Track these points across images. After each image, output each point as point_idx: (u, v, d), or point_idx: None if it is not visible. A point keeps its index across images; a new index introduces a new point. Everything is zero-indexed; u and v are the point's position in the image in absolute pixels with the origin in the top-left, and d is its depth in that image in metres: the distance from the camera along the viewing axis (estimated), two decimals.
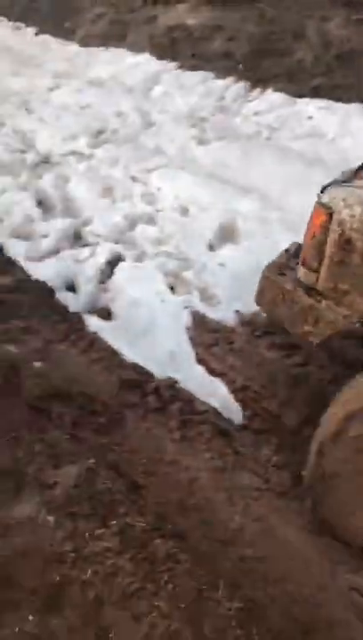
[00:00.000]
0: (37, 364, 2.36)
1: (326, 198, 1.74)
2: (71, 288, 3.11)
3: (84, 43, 8.24)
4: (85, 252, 3.43)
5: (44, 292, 2.93)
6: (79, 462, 1.78)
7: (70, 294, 3.03)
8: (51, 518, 1.53)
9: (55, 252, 3.44)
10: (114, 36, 8.07)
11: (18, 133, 5.32)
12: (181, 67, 6.82)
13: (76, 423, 2.01)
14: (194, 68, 6.66)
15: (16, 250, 3.39)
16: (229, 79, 6.14)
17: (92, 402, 2.18)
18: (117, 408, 2.19)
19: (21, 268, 3.16)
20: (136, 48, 7.61)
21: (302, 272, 1.85)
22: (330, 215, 1.72)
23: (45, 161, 4.81)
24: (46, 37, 8.80)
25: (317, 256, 1.78)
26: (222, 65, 6.48)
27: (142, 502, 1.73)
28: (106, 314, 2.91)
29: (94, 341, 2.57)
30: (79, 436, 1.95)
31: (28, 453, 1.74)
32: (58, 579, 1.39)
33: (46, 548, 1.45)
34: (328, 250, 1.74)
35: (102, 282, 3.16)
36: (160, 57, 7.19)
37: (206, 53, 6.82)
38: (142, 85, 6.56)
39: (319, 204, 1.75)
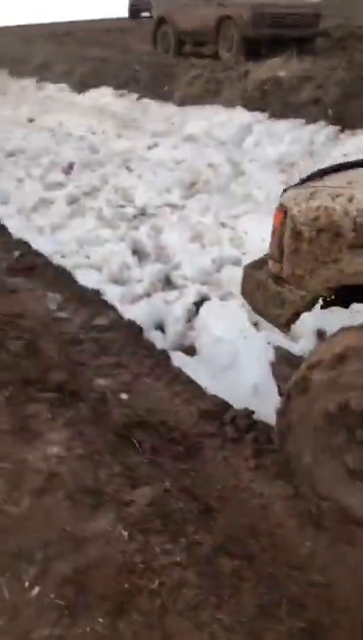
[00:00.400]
0: (124, 396, 2.53)
1: (282, 199, 2.04)
2: (160, 327, 3.31)
3: (181, 103, 8.77)
4: (174, 294, 3.64)
5: (134, 330, 3.13)
6: (155, 484, 1.88)
7: (158, 333, 3.22)
8: (125, 533, 1.64)
9: (147, 294, 3.67)
10: (209, 94, 8.54)
11: (119, 190, 5.75)
12: (271, 116, 7.07)
13: (156, 449, 2.13)
14: (284, 117, 6.88)
15: (113, 294, 3.66)
16: (319, 124, 6.27)
17: (172, 431, 2.31)
18: (196, 437, 2.30)
19: (116, 310, 3.40)
20: (229, 103, 8.00)
21: (270, 264, 2.14)
22: (285, 213, 2.01)
23: (142, 213, 5.16)
24: (147, 101, 9.47)
25: (278, 249, 2.06)
26: (312, 111, 6.66)
27: (213, 523, 1.79)
28: (191, 350, 3.06)
29: (178, 375, 2.71)
30: (158, 461, 2.07)
31: (108, 474, 1.87)
32: (127, 587, 1.49)
33: (118, 559, 1.56)
34: (286, 242, 2.02)
35: (189, 320, 3.33)
36: (252, 109, 7.51)
37: (296, 102, 7.04)
38: (234, 137, 6.86)
39: (279, 205, 2.05)
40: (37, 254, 4.24)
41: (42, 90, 12.23)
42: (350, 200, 1.81)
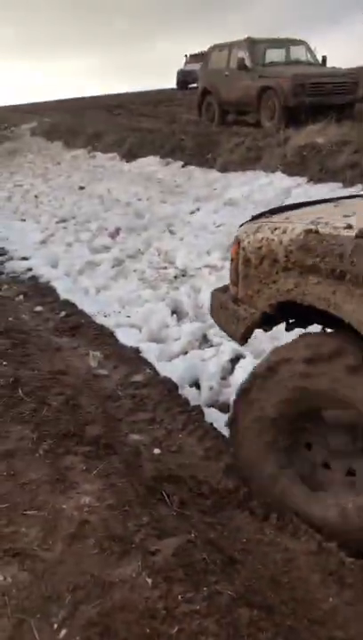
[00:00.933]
0: (157, 451, 2.64)
1: (237, 233, 2.46)
2: (196, 384, 3.43)
3: (224, 169, 9.17)
4: (211, 351, 3.77)
5: (169, 387, 3.26)
6: (181, 535, 1.97)
7: (193, 389, 3.33)
8: (149, 580, 1.73)
9: (184, 352, 3.82)
10: (250, 161, 8.91)
11: (161, 253, 6.03)
12: (310, 181, 7.31)
13: (184, 503, 2.22)
14: (322, 181, 7.11)
15: (151, 351, 3.82)
16: (356, 187, 6.45)
17: (201, 485, 2.39)
18: (223, 492, 2.37)
19: (153, 367, 3.55)
20: (269, 168, 8.32)
21: (231, 288, 2.55)
22: (239, 244, 2.42)
23: (183, 274, 5.38)
24: (191, 168, 9.92)
25: (235, 274, 2.48)
26: (349, 175, 6.86)
27: (235, 575, 1.85)
28: (225, 407, 3.15)
29: (209, 431, 2.81)
30: (185, 514, 2.16)
31: (136, 524, 1.97)
32: (148, 631, 1.56)
33: (142, 605, 1.64)
34: (239, 268, 2.43)
35: (224, 378, 3.44)
36: (291, 174, 7.78)
37: (334, 166, 7.28)
38: (274, 201, 7.09)
39: (235, 238, 2.47)
40: (82, 314, 4.48)
41: (93, 159, 12.97)
42: (284, 232, 2.20)
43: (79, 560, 1.80)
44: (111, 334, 4.08)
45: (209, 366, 3.56)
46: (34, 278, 5.55)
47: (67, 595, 1.68)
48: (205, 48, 15.59)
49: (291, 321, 2.47)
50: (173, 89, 23.98)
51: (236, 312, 2.47)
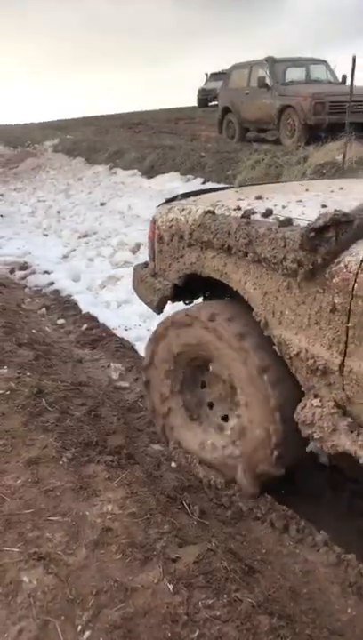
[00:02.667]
0: (174, 464, 2.68)
1: (154, 214, 2.85)
2: None
3: (243, 186, 9.23)
4: None
5: None
6: (202, 544, 2.00)
7: None
8: (170, 586, 1.76)
9: None
10: (269, 178, 8.97)
11: None
12: None
13: (205, 512, 2.25)
14: None
15: None
16: None
17: (221, 495, 2.42)
18: (244, 502, 2.40)
19: None
20: None
21: (149, 263, 2.96)
22: (155, 223, 2.80)
23: None
24: (211, 184, 10.01)
25: (152, 251, 2.87)
26: None
27: (255, 584, 1.88)
28: None
29: None
30: (206, 523, 2.19)
31: (158, 532, 2.01)
32: (170, 635, 1.59)
33: (163, 610, 1.68)
34: (155, 245, 2.82)
35: None
36: None
37: None
38: None
39: (152, 218, 2.86)
40: (103, 327, 4.55)
41: (114, 175, 13.16)
42: (189, 213, 2.57)
43: (102, 565, 1.84)
44: (132, 347, 4.14)
45: None
46: (56, 292, 5.65)
47: (90, 598, 1.72)
48: (224, 67, 15.84)
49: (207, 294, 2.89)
50: (193, 107, 24.24)
51: (153, 284, 2.87)
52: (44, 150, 18.57)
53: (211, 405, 2.63)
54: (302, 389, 2.14)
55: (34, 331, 4.20)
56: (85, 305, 5.09)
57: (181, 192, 3.16)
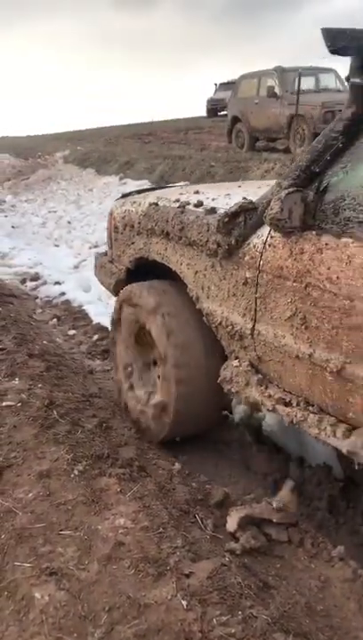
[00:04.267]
0: (189, 473, 2.65)
1: (111, 207, 3.30)
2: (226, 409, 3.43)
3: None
4: None
5: None
6: (215, 559, 1.97)
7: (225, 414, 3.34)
8: (184, 602, 1.73)
9: None
10: None
11: None
12: None
13: (217, 526, 2.23)
14: None
15: None
16: None
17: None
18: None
19: None
20: None
21: (107, 251, 3.40)
22: (111, 215, 3.23)
23: None
24: None
25: (109, 239, 3.30)
26: None
27: (270, 600, 1.85)
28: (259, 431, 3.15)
29: None
30: (218, 537, 2.16)
31: (170, 547, 1.98)
32: None
33: (177, 627, 1.65)
34: (112, 234, 3.24)
35: None
36: None
37: None
38: None
39: (110, 210, 3.29)
40: None
41: (124, 186, 13.21)
42: (139, 205, 2.97)
43: (115, 581, 1.82)
44: None
45: None
46: (67, 302, 5.66)
47: (103, 615, 1.70)
48: (233, 77, 15.91)
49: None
50: (202, 117, 24.35)
51: (110, 269, 3.28)
52: (55, 161, 18.71)
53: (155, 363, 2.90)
54: (226, 353, 2.48)
55: (45, 342, 4.19)
56: (96, 315, 5.09)
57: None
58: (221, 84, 23.06)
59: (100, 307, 5.41)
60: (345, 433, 1.88)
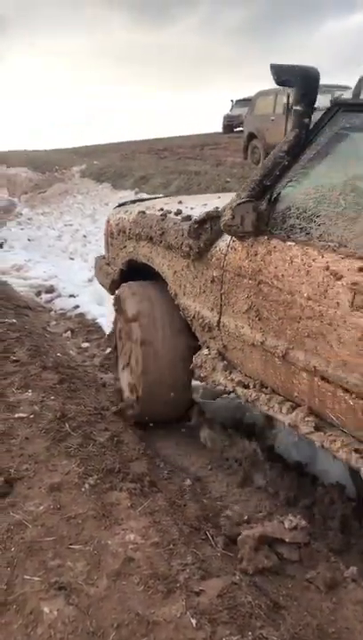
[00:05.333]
0: (201, 489, 2.63)
1: (108, 215, 3.71)
2: (240, 422, 3.41)
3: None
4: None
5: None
6: (225, 577, 1.95)
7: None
8: (193, 620, 1.71)
9: (228, 392, 3.81)
10: None
11: None
12: None
13: (228, 545, 2.20)
14: None
15: (195, 390, 3.83)
16: None
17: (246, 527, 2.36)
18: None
19: (198, 404, 3.55)
20: None
21: (105, 255, 3.80)
22: (108, 222, 3.63)
23: None
24: None
25: (106, 244, 3.73)
26: None
27: (281, 621, 1.82)
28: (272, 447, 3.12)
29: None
30: (229, 555, 2.14)
31: (181, 564, 1.96)
32: None
33: None
34: (108, 240, 3.65)
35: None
36: None
37: None
38: None
39: (107, 217, 3.70)
40: None
41: None
42: (130, 213, 3.33)
43: (124, 597, 1.81)
44: None
45: None
46: (81, 315, 5.68)
47: (111, 631, 1.68)
48: (250, 94, 16.02)
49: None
50: (218, 133, 24.50)
51: (106, 270, 3.68)
52: (72, 175, 18.88)
53: None
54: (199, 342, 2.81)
55: (58, 354, 4.21)
56: (109, 327, 5.09)
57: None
58: (237, 101, 23.20)
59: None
60: (289, 409, 2.18)
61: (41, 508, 2.21)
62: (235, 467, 2.83)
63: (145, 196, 13.24)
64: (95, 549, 2.00)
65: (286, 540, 2.17)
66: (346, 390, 1.91)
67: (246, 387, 2.43)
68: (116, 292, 3.37)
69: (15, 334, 4.15)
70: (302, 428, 2.08)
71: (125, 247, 3.37)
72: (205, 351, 2.71)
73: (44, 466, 2.48)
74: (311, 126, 2.24)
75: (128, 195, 14.01)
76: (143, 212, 3.17)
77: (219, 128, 24.84)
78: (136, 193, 13.82)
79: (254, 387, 2.38)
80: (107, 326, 5.12)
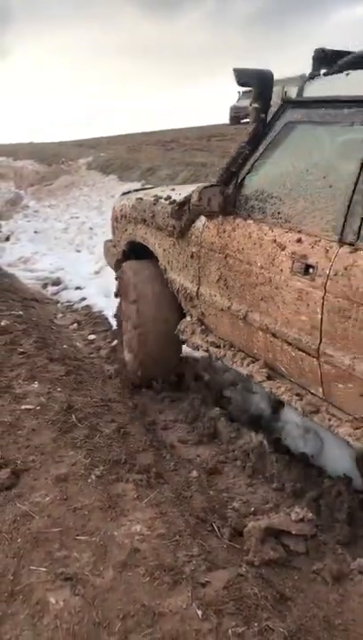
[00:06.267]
0: (207, 481, 2.63)
1: (114, 203, 4.13)
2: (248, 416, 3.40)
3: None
4: None
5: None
6: (231, 568, 1.95)
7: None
8: (199, 612, 1.71)
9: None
10: None
11: None
12: None
13: (234, 536, 2.20)
14: None
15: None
16: None
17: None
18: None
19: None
20: None
21: (112, 238, 4.14)
22: (114, 208, 4.04)
23: None
24: None
25: (113, 228, 4.10)
26: None
27: (287, 612, 1.82)
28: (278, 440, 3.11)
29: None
30: (235, 547, 2.14)
31: (187, 555, 1.96)
32: None
33: (191, 637, 1.62)
34: (114, 224, 4.04)
35: (276, 412, 3.40)
36: None
37: None
38: None
39: (113, 205, 4.12)
40: None
41: None
42: (131, 200, 3.68)
43: (130, 588, 1.81)
44: None
45: (257, 399, 3.53)
46: (87, 307, 5.67)
47: (117, 622, 1.68)
48: None
49: None
50: (225, 124, 24.36)
51: (112, 252, 4.08)
52: (78, 168, 18.84)
53: None
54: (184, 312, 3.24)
55: (65, 346, 4.21)
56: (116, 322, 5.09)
57: None
58: (244, 92, 23.01)
59: None
60: (248, 363, 2.61)
61: (47, 499, 2.21)
62: (242, 458, 2.82)
63: None
64: (101, 540, 2.01)
65: (293, 532, 2.17)
66: (289, 344, 2.30)
67: (218, 347, 2.87)
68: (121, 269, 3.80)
69: (22, 326, 4.15)
70: (256, 377, 2.52)
71: (126, 230, 3.77)
72: (188, 318, 3.19)
73: (50, 457, 2.48)
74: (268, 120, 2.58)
75: (135, 187, 13.96)
76: (140, 199, 3.58)
77: (226, 120, 24.71)
78: (143, 185, 13.76)
79: (224, 346, 2.84)
80: (113, 319, 5.11)
